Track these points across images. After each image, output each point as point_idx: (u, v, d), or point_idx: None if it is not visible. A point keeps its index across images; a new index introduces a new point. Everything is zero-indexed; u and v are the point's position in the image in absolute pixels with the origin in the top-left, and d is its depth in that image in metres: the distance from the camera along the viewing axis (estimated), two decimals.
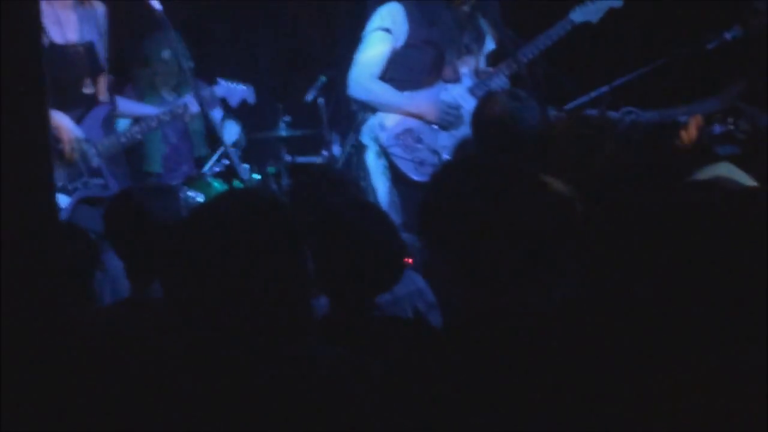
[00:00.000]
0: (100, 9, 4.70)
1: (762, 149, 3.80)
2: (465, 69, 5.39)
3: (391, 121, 5.32)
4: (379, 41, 5.30)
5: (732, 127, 4.35)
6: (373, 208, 3.11)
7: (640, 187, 3.14)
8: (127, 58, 6.15)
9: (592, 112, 5.50)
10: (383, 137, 5.32)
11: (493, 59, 5.56)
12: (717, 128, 4.39)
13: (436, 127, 5.31)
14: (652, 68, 5.64)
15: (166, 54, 6.08)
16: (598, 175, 3.36)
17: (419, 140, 5.30)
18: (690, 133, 4.48)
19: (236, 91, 5.24)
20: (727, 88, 5.63)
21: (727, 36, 5.58)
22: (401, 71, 5.33)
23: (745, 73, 5.59)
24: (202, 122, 6.22)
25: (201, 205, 2.32)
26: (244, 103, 5.39)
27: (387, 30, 5.29)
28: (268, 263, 2.05)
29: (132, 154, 6.00)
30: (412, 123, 5.30)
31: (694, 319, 1.77)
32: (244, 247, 2.05)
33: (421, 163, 5.27)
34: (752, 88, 5.48)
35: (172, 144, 6.35)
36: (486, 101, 4.51)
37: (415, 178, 5.28)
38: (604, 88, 5.63)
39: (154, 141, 6.16)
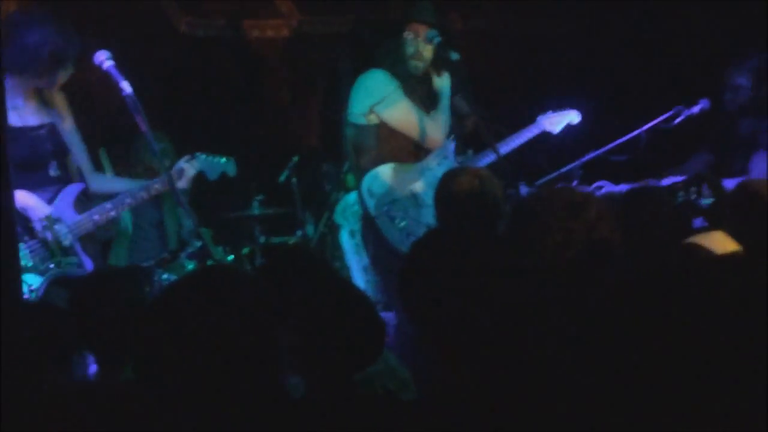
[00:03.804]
0: (59, 96, 4.70)
1: (725, 217, 3.84)
2: (451, 146, 5.36)
3: (379, 187, 5.25)
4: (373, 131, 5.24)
5: (695, 196, 4.39)
6: (351, 286, 3.10)
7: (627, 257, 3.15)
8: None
9: (564, 186, 5.54)
10: (371, 204, 5.23)
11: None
12: (680, 196, 4.43)
13: (420, 201, 5.27)
14: (623, 143, 5.70)
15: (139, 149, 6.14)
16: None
17: (406, 212, 5.24)
18: None
19: (215, 164, 5.08)
20: (693, 160, 5.70)
21: (695, 110, 5.67)
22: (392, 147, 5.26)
23: (710, 146, 5.67)
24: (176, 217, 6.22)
25: (171, 284, 2.30)
26: (221, 177, 5.21)
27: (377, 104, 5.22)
28: (236, 342, 2.03)
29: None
30: (399, 195, 5.24)
31: (683, 383, 1.76)
32: (212, 327, 2.03)
33: (408, 234, 5.19)
34: (717, 160, 5.54)
35: (143, 231, 6.31)
36: (449, 177, 4.49)
37: (401, 247, 5.15)
38: (576, 163, 5.69)
39: (121, 238, 6.10)
